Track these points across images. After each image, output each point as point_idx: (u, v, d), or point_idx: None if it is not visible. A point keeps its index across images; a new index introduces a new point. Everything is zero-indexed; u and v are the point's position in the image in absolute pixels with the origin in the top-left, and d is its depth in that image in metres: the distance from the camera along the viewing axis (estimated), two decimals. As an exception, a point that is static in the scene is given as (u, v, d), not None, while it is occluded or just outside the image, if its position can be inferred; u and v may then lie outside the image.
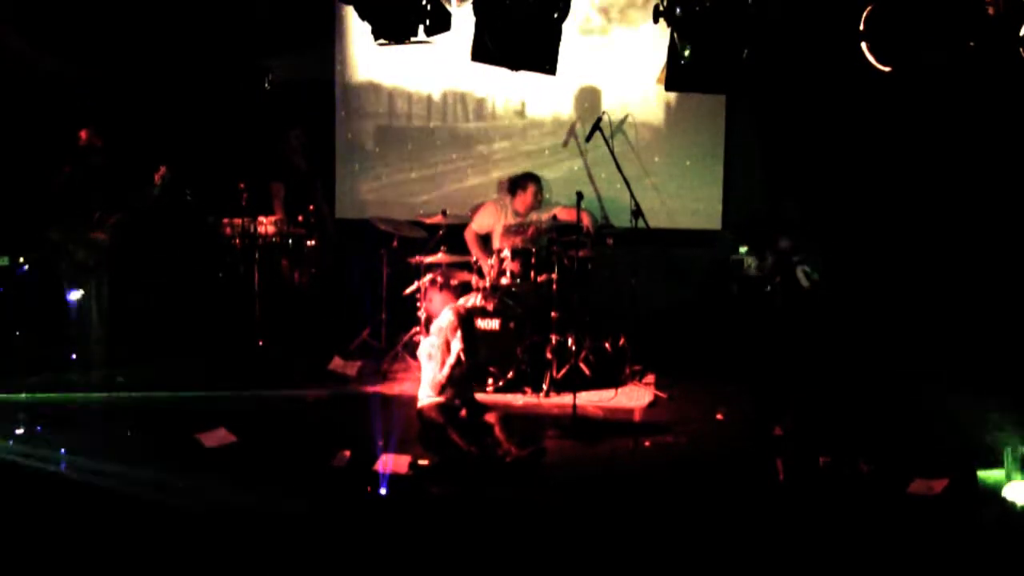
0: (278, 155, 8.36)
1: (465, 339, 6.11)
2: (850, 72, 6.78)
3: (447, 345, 6.09)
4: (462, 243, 8.18)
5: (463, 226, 8.23)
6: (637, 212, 7.53)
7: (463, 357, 6.06)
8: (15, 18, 7.63)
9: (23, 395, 6.80)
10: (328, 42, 9.03)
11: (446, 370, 6.04)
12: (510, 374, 7.30)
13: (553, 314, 7.44)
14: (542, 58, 6.72)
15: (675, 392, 7.42)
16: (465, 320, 6.21)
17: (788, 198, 7.52)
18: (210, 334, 8.08)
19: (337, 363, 7.90)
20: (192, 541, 4.78)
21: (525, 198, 8.09)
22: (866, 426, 6.31)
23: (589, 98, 8.78)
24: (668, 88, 7.13)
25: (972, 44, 6.12)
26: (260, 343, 7.76)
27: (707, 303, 8.44)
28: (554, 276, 7.51)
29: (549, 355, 7.43)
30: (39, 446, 5.90)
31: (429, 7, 6.66)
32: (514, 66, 6.84)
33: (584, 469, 5.80)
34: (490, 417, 6.03)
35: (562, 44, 6.76)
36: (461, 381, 6.12)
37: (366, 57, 8.97)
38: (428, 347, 6.15)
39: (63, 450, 5.78)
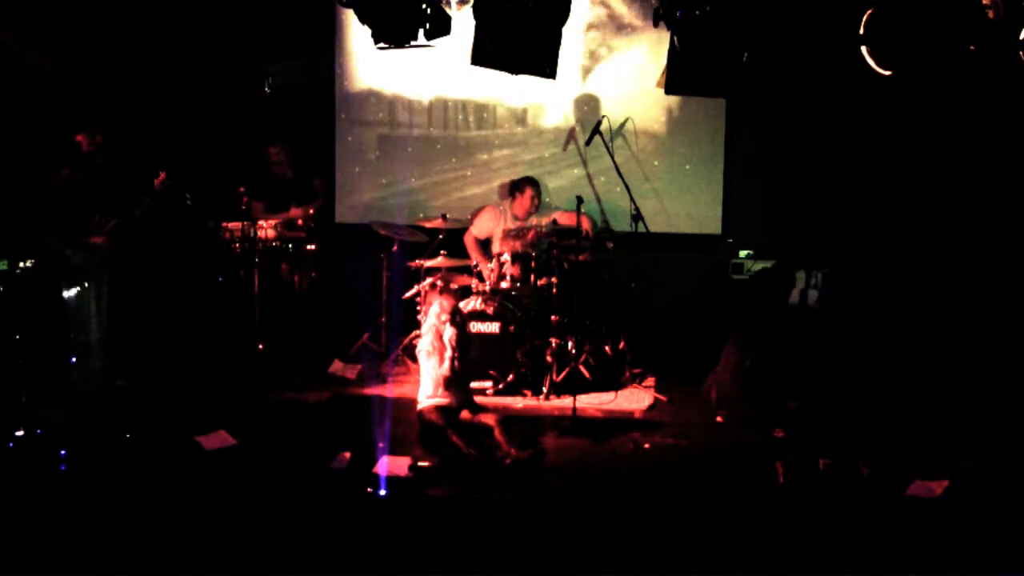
0: (259, 169, 8.32)
1: (456, 326, 6.13)
2: (851, 76, 6.80)
3: (440, 336, 6.10)
4: (462, 247, 8.19)
5: (463, 230, 8.24)
6: (637, 216, 7.55)
7: (455, 344, 6.07)
8: (14, 20, 7.63)
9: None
10: (329, 48, 9.03)
11: (447, 363, 6.05)
12: (510, 377, 7.30)
13: (553, 318, 7.45)
14: (542, 61, 6.74)
15: (675, 395, 7.43)
16: (453, 309, 6.23)
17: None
18: (210, 338, 8.07)
19: (337, 366, 7.91)
20: (191, 540, 4.78)
21: (523, 201, 8.10)
22: (866, 428, 6.31)
23: (590, 104, 8.78)
24: (668, 92, 7.15)
25: (972, 47, 6.14)
26: (260, 347, 7.76)
27: (707, 307, 8.44)
28: (554, 280, 7.53)
29: (549, 358, 7.44)
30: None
31: (429, 11, 6.68)
32: (514, 70, 6.85)
33: (584, 471, 5.78)
34: (490, 419, 6.03)
35: (562, 50, 6.78)
36: (461, 377, 6.13)
37: (366, 63, 8.97)
38: (426, 345, 6.16)
39: (63, 451, 5.77)
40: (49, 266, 7.29)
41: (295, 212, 8.15)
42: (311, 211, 8.18)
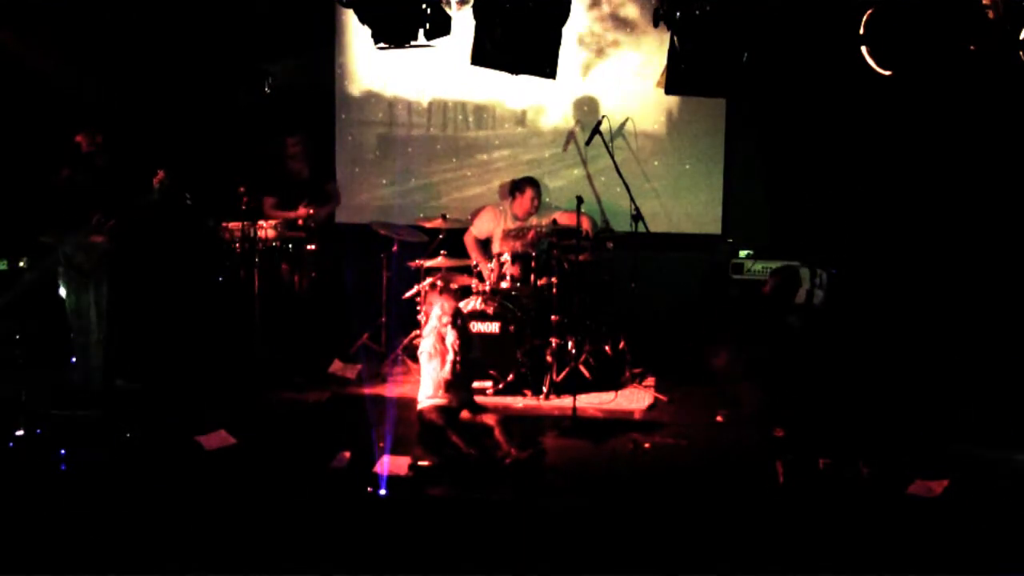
0: (272, 163, 8.34)
1: (457, 329, 6.13)
2: (851, 76, 6.80)
3: (442, 339, 6.10)
4: (462, 247, 8.19)
5: (463, 230, 8.24)
6: (637, 216, 7.55)
7: (457, 348, 6.07)
8: (14, 20, 7.63)
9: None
10: (329, 47, 9.04)
11: (448, 367, 6.05)
12: (510, 377, 7.30)
13: (553, 317, 7.45)
14: (542, 61, 6.74)
15: (675, 395, 7.43)
16: (454, 312, 6.23)
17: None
18: (210, 337, 8.07)
19: (337, 366, 7.91)
20: (191, 540, 4.78)
21: (523, 202, 8.10)
22: (866, 428, 6.31)
23: (590, 104, 8.78)
24: (668, 92, 7.15)
25: (972, 47, 6.14)
26: (260, 346, 7.75)
27: (707, 307, 8.44)
28: (554, 280, 7.52)
29: (549, 358, 7.43)
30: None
31: (429, 11, 6.68)
32: (514, 70, 6.86)
33: (584, 471, 5.78)
34: (490, 419, 6.02)
35: (563, 52, 6.78)
36: (462, 379, 6.13)
37: (366, 63, 8.98)
38: (427, 347, 6.17)
39: (63, 451, 5.77)
40: (49, 266, 7.28)
41: (303, 211, 8.12)
42: (323, 213, 8.17)
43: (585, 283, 7.97)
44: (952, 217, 7.75)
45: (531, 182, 8.16)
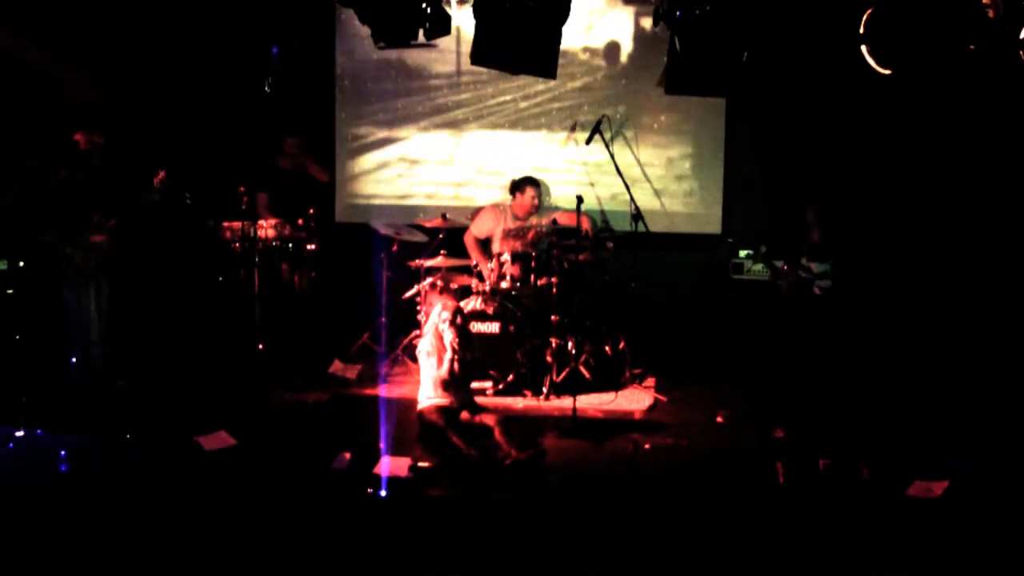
0: (267, 161, 8.35)
1: (456, 329, 6.12)
2: (850, 76, 6.80)
3: (440, 338, 6.10)
4: (462, 247, 8.18)
5: (463, 230, 8.23)
6: (637, 216, 7.53)
7: (456, 347, 6.06)
8: (13, 20, 7.62)
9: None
10: (329, 47, 9.03)
11: (446, 365, 6.05)
12: (510, 377, 7.29)
13: (553, 318, 7.45)
14: (542, 60, 6.73)
15: (675, 395, 7.42)
16: (455, 311, 6.23)
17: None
18: (210, 338, 8.07)
19: (337, 366, 7.90)
20: (192, 541, 4.78)
21: (524, 202, 8.09)
22: (866, 428, 6.31)
23: (590, 104, 8.77)
24: (668, 91, 7.14)
25: (972, 47, 6.14)
26: (260, 346, 7.76)
27: (707, 307, 8.44)
28: (554, 280, 7.52)
29: (549, 358, 7.43)
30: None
31: (429, 10, 6.68)
32: (514, 69, 6.86)
33: (584, 472, 5.79)
34: (490, 420, 6.03)
35: (564, 53, 6.78)
36: (460, 379, 6.13)
37: (367, 64, 8.97)
38: (426, 345, 6.17)
39: (63, 451, 5.77)
40: (49, 266, 7.28)
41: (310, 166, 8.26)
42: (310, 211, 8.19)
43: (585, 283, 7.96)
44: (952, 216, 7.75)
45: (532, 182, 8.15)
